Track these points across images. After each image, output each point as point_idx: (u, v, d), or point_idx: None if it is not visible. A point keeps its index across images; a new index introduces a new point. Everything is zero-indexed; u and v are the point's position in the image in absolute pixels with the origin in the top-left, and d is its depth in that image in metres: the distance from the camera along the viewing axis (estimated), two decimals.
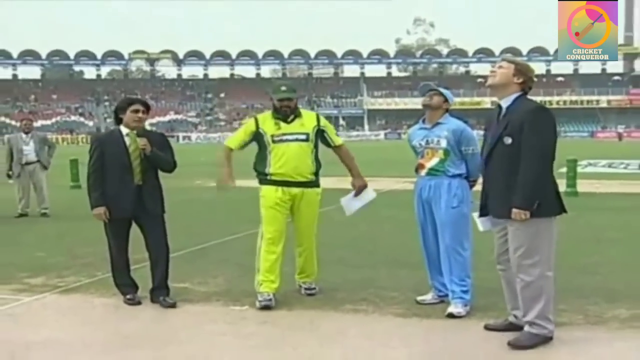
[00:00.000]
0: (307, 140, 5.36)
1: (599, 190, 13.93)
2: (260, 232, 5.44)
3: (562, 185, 7.00)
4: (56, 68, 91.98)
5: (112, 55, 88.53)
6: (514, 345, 4.16)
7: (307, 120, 5.44)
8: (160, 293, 5.35)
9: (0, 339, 4.58)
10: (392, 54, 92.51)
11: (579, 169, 14.67)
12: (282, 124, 5.37)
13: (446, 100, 5.10)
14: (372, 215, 10.69)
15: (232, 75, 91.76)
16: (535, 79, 4.41)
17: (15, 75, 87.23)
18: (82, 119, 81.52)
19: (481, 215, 4.45)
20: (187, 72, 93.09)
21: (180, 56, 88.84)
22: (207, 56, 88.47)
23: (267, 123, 5.41)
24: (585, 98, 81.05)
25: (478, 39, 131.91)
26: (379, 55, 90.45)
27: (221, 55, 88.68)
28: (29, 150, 11.26)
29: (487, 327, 4.58)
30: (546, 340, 4.20)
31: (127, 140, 5.34)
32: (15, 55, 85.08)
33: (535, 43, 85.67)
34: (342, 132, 70.80)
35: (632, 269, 6.48)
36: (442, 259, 5.09)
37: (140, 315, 5.17)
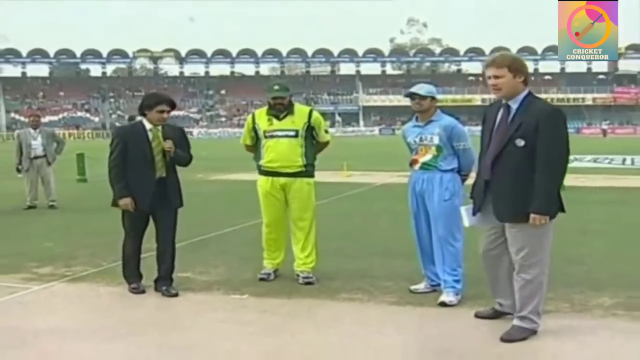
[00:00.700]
0: (296, 136, 5.72)
1: (585, 185, 14.01)
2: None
3: None
4: (63, 66, 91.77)
5: (117, 53, 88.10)
6: (507, 340, 4.19)
7: (299, 117, 5.77)
8: (164, 284, 5.47)
9: (10, 326, 4.73)
10: (386, 53, 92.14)
11: None
12: (275, 121, 5.75)
13: (433, 98, 5.25)
14: (366, 207, 10.83)
15: (232, 73, 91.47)
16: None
17: (24, 73, 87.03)
18: (88, 115, 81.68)
19: (474, 211, 4.44)
20: (189, 69, 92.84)
21: (183, 55, 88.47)
22: (209, 54, 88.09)
23: (262, 119, 5.82)
24: (571, 96, 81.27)
25: (469, 38, 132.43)
26: (374, 54, 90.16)
27: (222, 54, 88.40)
28: (37, 144, 11.46)
29: (477, 315, 4.70)
30: (534, 333, 4.28)
31: (149, 135, 5.41)
32: (24, 54, 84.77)
33: (523, 43, 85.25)
34: (338, 128, 71.05)
35: (616, 260, 6.63)
36: (434, 250, 5.22)
37: (145, 303, 5.31)
